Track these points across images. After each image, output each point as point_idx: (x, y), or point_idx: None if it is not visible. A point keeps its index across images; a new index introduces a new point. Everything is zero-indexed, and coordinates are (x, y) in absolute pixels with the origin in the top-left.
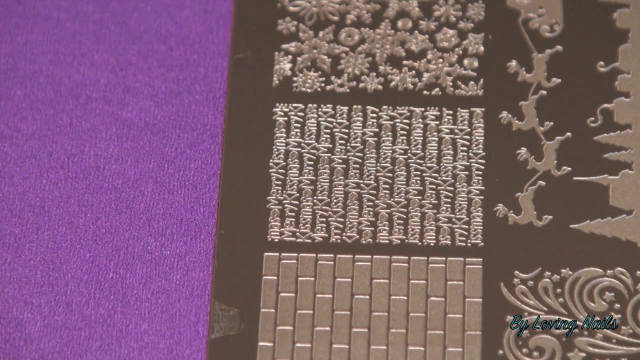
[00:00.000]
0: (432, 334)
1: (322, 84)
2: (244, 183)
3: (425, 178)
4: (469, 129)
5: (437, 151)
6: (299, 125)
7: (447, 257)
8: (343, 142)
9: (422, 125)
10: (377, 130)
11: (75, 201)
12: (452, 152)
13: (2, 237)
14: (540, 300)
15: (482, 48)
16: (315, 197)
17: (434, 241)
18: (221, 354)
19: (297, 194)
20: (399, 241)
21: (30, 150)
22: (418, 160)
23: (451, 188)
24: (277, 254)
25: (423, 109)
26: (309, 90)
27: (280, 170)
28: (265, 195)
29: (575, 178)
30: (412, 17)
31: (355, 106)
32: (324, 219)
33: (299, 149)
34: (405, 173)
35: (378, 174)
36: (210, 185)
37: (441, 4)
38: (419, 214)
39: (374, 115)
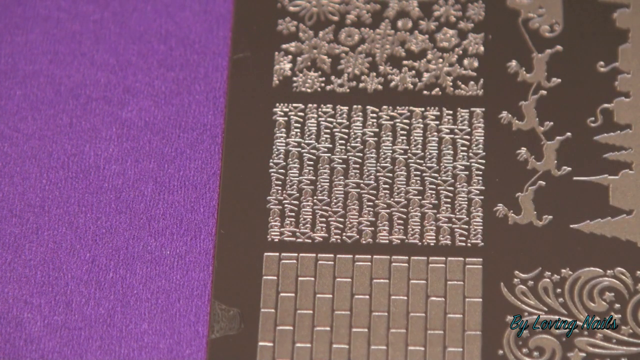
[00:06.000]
0: (432, 334)
1: (322, 84)
2: (244, 183)
3: (425, 178)
4: (469, 129)
5: (437, 151)
6: (299, 125)
7: (447, 257)
8: (343, 142)
9: (422, 125)
10: (377, 130)
11: (75, 201)
12: (452, 152)
13: (2, 237)
14: (540, 300)
15: (482, 48)
16: (315, 197)
17: (434, 241)
18: (221, 354)
19: (297, 194)
20: (399, 241)
21: (30, 150)
22: (418, 160)
23: (451, 188)
24: (277, 254)
25: (423, 109)
26: (309, 90)
27: (280, 170)
28: (265, 195)
29: (575, 178)
30: (412, 17)
31: (355, 106)
32: (324, 219)
33: (299, 149)
34: (405, 173)
35: (378, 174)
36: (210, 185)
37: (441, 4)
38: (419, 214)
39: (374, 115)
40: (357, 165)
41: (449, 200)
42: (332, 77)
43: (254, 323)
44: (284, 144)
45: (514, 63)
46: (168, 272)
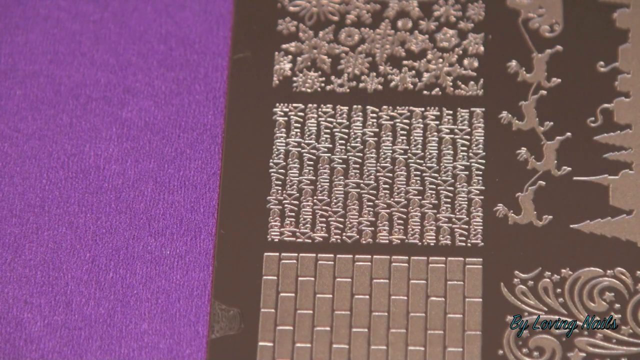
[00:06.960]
0: (432, 334)
1: (322, 84)
2: (244, 183)
3: (425, 178)
4: (469, 129)
5: (437, 151)
6: (299, 125)
7: (447, 257)
8: (343, 142)
9: (422, 125)
10: (377, 130)
11: (75, 201)
12: (452, 152)
13: (2, 237)
14: (540, 300)
15: (482, 48)
16: (315, 197)
17: (434, 241)
18: (221, 354)
19: (297, 194)
20: (399, 241)
21: (30, 150)
22: (418, 160)
23: (451, 188)
24: (277, 254)
25: (423, 109)
26: (309, 90)
27: (280, 170)
28: (265, 195)
29: (575, 178)
30: (412, 17)
31: (355, 106)
32: (324, 219)
33: (299, 149)
34: (405, 173)
35: (378, 174)
36: (210, 185)
37: (441, 4)
38: (419, 214)
39: (374, 115)
40: (357, 165)
41: (449, 200)
42: (332, 77)
43: (254, 323)
44: (284, 144)
45: (514, 63)
46: (168, 272)
